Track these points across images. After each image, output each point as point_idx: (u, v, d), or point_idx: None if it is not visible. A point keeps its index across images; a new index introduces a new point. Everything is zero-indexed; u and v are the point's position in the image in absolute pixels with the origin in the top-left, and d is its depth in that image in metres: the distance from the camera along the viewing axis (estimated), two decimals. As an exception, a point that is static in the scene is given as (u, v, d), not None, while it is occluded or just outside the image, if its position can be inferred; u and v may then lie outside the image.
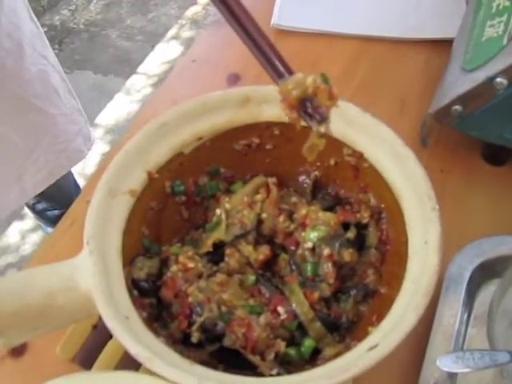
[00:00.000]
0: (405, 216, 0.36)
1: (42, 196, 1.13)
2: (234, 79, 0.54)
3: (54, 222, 1.44)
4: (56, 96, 0.87)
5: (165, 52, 2.14)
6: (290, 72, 0.32)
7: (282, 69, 0.32)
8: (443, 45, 0.54)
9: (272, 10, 0.58)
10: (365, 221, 0.39)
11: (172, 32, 2.21)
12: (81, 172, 1.47)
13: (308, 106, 0.31)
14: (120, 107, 1.93)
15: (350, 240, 0.38)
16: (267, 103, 0.40)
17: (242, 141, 0.41)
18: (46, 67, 0.85)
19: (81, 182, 1.38)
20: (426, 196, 0.35)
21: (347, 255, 0.37)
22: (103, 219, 0.35)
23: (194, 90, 0.55)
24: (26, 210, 1.63)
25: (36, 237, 1.68)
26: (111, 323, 0.30)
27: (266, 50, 0.32)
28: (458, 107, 0.45)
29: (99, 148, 1.71)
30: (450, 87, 0.46)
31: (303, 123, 0.32)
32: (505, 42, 0.42)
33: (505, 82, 0.40)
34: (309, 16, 0.57)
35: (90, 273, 0.32)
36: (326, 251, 0.37)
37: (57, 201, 1.31)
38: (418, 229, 0.35)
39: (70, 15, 2.23)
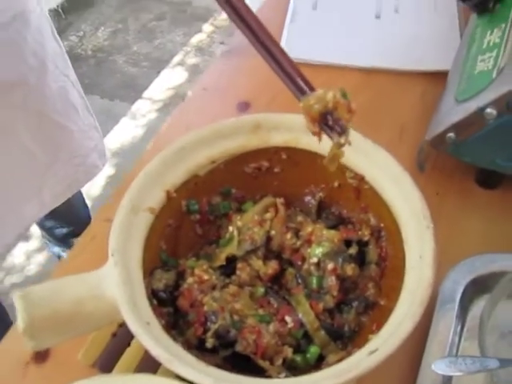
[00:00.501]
0: (402, 234, 0.39)
1: (51, 213, 1.16)
2: (244, 107, 0.57)
3: (61, 240, 1.47)
4: (74, 112, 0.90)
5: (170, 78, 2.19)
6: (311, 88, 0.34)
7: (303, 85, 0.35)
8: (439, 76, 0.57)
9: (279, 42, 0.62)
10: (365, 238, 0.42)
11: (177, 58, 2.26)
12: (87, 192, 1.50)
13: (329, 119, 0.34)
14: (125, 131, 1.97)
15: (352, 256, 0.41)
16: (276, 130, 0.44)
17: (252, 164, 0.45)
18: (66, 84, 0.88)
19: (87, 202, 1.41)
20: (421, 215, 0.38)
21: (349, 270, 0.40)
22: (126, 234, 0.38)
23: (205, 117, 0.58)
24: (32, 231, 1.66)
25: (41, 257, 1.71)
26: (135, 328, 0.33)
27: (288, 69, 0.35)
28: (452, 135, 0.48)
29: (105, 170, 1.75)
30: (444, 116, 0.50)
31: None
32: (494, 75, 0.45)
33: (494, 112, 0.43)
34: (314, 48, 0.61)
35: (115, 283, 0.35)
36: (330, 266, 0.40)
37: (66, 219, 1.34)
38: (415, 246, 0.38)
39: (78, 41, 2.28)
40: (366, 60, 0.62)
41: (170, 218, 0.42)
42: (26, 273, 1.69)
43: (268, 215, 0.43)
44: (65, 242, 1.50)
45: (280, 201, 0.44)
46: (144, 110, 2.08)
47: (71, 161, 0.94)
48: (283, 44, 0.61)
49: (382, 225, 0.42)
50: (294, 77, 0.35)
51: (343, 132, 0.34)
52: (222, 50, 2.25)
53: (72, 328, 0.36)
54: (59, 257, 1.57)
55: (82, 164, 0.96)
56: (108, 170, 1.79)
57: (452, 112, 0.49)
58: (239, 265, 0.41)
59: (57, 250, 1.55)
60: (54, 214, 1.29)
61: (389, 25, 0.65)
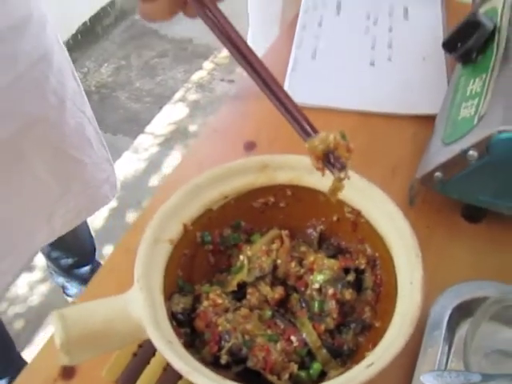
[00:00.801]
0: (395, 263, 0.43)
1: (58, 244, 1.20)
2: (251, 146, 0.61)
3: (65, 270, 1.50)
4: (89, 146, 0.95)
5: (171, 113, 2.24)
6: (315, 130, 0.39)
7: (308, 128, 0.39)
8: (428, 120, 0.61)
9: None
10: (362, 267, 0.47)
11: (178, 95, 2.32)
12: (90, 224, 1.54)
13: (331, 158, 0.38)
14: (128, 165, 2.01)
15: (350, 282, 0.45)
16: (281, 169, 0.48)
17: (260, 199, 0.49)
18: (83, 120, 0.93)
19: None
20: (412, 247, 0.42)
21: (348, 295, 0.45)
22: (149, 262, 0.43)
23: (215, 155, 0.63)
24: (36, 262, 1.69)
25: (44, 288, 1.73)
26: (159, 345, 0.38)
27: (294, 113, 0.40)
28: (439, 174, 0.52)
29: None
30: (432, 157, 0.54)
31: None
32: (475, 122, 0.50)
33: (476, 154, 0.48)
34: (314, 93, 0.65)
35: (141, 306, 0.39)
36: (331, 291, 0.44)
37: (72, 249, 1.37)
38: (406, 273, 0.42)
39: (83, 77, 2.34)
40: (362, 104, 0.66)
41: (186, 248, 0.47)
42: (29, 303, 1.71)
43: (274, 246, 0.47)
44: (69, 272, 1.53)
45: (285, 233, 0.48)
46: (146, 144, 2.13)
47: (83, 191, 0.98)
48: (287, 89, 0.66)
49: (376, 254, 0.46)
50: (299, 120, 0.40)
51: (343, 168, 0.38)
52: (227, 91, 2.31)
53: (102, 345, 0.40)
54: (63, 287, 1.60)
55: (93, 194, 1.00)
56: (111, 202, 1.83)
57: (439, 153, 0.54)
58: (249, 290, 0.45)
59: (61, 280, 1.57)
60: (60, 245, 1.34)
61: (382, 72, 0.69)
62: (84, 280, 1.56)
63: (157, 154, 2.10)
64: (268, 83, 0.41)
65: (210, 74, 2.39)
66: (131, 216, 1.91)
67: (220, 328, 0.42)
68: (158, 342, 0.38)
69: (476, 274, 0.51)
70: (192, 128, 2.18)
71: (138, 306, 0.39)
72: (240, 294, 0.46)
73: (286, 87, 0.66)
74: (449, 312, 0.47)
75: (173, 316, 0.43)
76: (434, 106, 0.63)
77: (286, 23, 0.88)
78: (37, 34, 0.81)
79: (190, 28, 2.48)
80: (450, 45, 0.61)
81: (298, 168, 0.48)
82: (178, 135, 2.16)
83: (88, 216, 1.04)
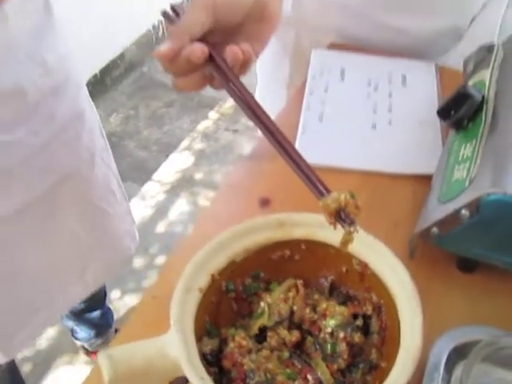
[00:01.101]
0: (398, 310, 0.48)
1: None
2: (266, 202, 0.66)
3: (76, 314, 1.54)
4: (114, 198, 1.01)
5: (178, 162, 2.32)
6: (327, 190, 0.45)
7: (321, 188, 0.46)
8: (426, 179, 0.66)
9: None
10: (369, 313, 0.51)
11: (184, 144, 2.40)
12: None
13: (342, 214, 0.44)
14: (136, 211, 2.07)
15: (358, 327, 0.51)
16: (296, 226, 0.54)
17: (277, 253, 0.54)
18: (108, 174, 1.00)
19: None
20: (412, 295, 0.47)
21: (357, 338, 0.50)
22: (182, 308, 0.48)
23: (232, 210, 0.69)
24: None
25: (52, 332, 1.77)
26: (194, 381, 0.43)
27: (308, 173, 0.47)
28: (435, 229, 0.56)
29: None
30: (430, 214, 0.59)
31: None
32: (467, 184, 0.55)
33: (467, 213, 0.53)
34: (322, 154, 0.71)
35: (177, 346, 0.45)
36: (341, 335, 0.49)
37: (90, 299, 1.41)
38: (407, 319, 0.47)
39: (92, 127, 2.42)
40: (365, 164, 0.71)
41: (213, 295, 0.52)
42: (38, 347, 1.75)
43: (291, 294, 0.52)
44: (80, 316, 1.57)
45: (300, 282, 0.53)
46: (153, 191, 2.20)
47: (109, 243, 1.04)
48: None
49: (382, 302, 0.51)
50: (313, 180, 0.46)
51: (352, 223, 0.45)
52: (232, 141, 2.39)
53: (143, 381, 0.46)
54: (72, 331, 1.63)
55: (117, 247, 1.06)
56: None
57: (436, 211, 0.59)
58: (269, 333, 0.50)
59: (71, 323, 1.61)
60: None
61: (383, 134, 0.75)
62: (93, 324, 1.60)
63: (163, 201, 2.17)
64: (284, 146, 0.49)
65: (216, 124, 2.48)
66: (138, 261, 1.96)
67: (245, 367, 0.47)
68: (192, 378, 0.43)
69: (471, 320, 0.54)
70: (198, 176, 2.26)
71: (175, 346, 0.45)
72: (261, 337, 0.51)
73: (297, 148, 0.73)
74: (446, 354, 0.51)
75: (203, 356, 0.49)
76: (430, 166, 0.68)
77: (293, 86, 0.95)
78: (73, 95, 0.88)
79: (196, 80, 2.57)
80: (443, 113, 0.68)
81: (311, 225, 0.54)
82: (183, 183, 2.23)
83: (117, 270, 1.09)
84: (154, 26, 2.79)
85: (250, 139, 2.30)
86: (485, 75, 0.68)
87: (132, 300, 1.86)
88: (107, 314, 1.62)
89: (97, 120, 0.99)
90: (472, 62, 0.75)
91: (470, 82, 0.69)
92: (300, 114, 0.79)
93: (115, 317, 1.68)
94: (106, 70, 2.57)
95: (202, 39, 0.52)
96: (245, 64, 0.52)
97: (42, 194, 0.90)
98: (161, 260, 1.96)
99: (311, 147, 0.72)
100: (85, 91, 0.96)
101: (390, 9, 0.88)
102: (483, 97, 0.65)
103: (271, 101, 1.02)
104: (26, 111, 0.83)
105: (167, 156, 2.35)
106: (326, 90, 0.82)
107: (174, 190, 2.21)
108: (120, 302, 1.84)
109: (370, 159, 0.73)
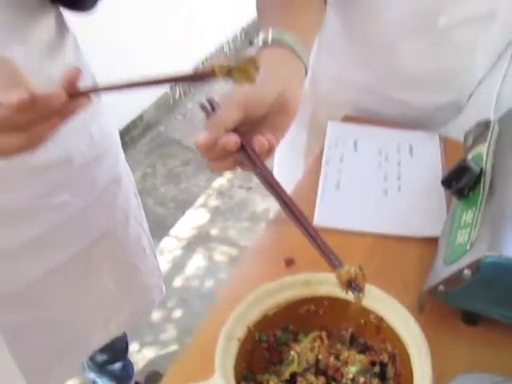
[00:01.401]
0: (410, 359, 0.55)
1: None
2: (290, 262, 0.74)
3: (99, 366, 1.59)
4: (144, 254, 1.08)
5: (194, 218, 2.41)
6: (340, 262, 0.54)
7: (335, 260, 0.54)
8: (433, 242, 0.74)
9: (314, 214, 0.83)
10: (385, 361, 0.59)
11: (200, 200, 2.49)
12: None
13: (352, 283, 0.53)
14: (154, 266, 2.15)
15: (376, 373, 0.58)
16: (320, 284, 0.62)
17: (304, 308, 0.62)
18: (139, 231, 1.07)
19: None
20: (422, 346, 0.54)
21: (375, 383, 0.58)
22: (224, 356, 0.56)
23: (260, 269, 0.78)
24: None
25: (72, 383, 1.82)
26: (237, 418, 0.51)
27: (323, 247, 0.55)
28: (442, 287, 0.63)
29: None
30: (436, 273, 0.67)
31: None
32: (468, 247, 0.63)
33: (469, 273, 0.60)
34: (339, 218, 0.79)
35: (222, 389, 0.53)
36: (362, 380, 0.57)
37: (108, 346, 1.47)
38: (418, 367, 0.53)
39: (112, 185, 2.52)
40: (377, 227, 0.79)
41: (248, 344, 0.60)
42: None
43: (316, 344, 0.60)
44: (102, 368, 1.62)
45: (324, 334, 0.61)
46: (171, 246, 2.28)
47: (137, 296, 1.11)
48: (316, 215, 0.81)
49: (396, 351, 0.58)
50: (328, 253, 0.55)
51: (360, 291, 0.53)
52: (245, 198, 2.47)
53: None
54: (94, 382, 1.68)
55: (144, 299, 1.13)
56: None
57: (442, 271, 0.67)
58: (299, 379, 0.58)
59: (92, 375, 1.66)
60: (104, 348, 1.44)
61: (394, 200, 0.83)
62: (114, 376, 1.65)
63: (180, 256, 2.24)
64: (302, 223, 0.57)
65: (230, 182, 2.57)
66: (156, 315, 2.02)
67: (280, 407, 0.55)
68: (236, 415, 0.51)
69: (475, 368, 0.61)
70: (213, 232, 2.34)
71: (220, 389, 0.53)
72: (292, 382, 0.59)
73: (315, 213, 0.81)
74: (453, 398, 0.59)
75: (242, 398, 0.56)
76: (436, 229, 0.76)
77: (310, 154, 1.05)
78: (112, 161, 0.98)
79: (211, 139, 2.68)
80: (447, 182, 0.76)
81: (332, 283, 0.61)
82: (199, 239, 2.31)
83: (140, 319, 1.16)
84: (171, 88, 2.93)
85: (263, 197, 2.40)
86: (482, 149, 0.77)
87: (150, 353, 1.91)
88: (128, 366, 1.67)
89: (132, 182, 1.08)
90: (471, 136, 0.84)
91: (470, 155, 0.78)
92: (318, 180, 0.88)
93: (134, 369, 1.74)
94: (126, 130, 2.69)
95: (234, 129, 0.61)
96: (269, 150, 0.61)
97: (80, 251, 0.98)
98: (178, 314, 2.03)
99: (329, 212, 0.81)
100: (122, 157, 1.06)
101: (398, 87, 0.98)
102: (481, 169, 0.73)
103: (288, 168, 1.12)
104: (71, 177, 0.92)
105: (184, 212, 2.44)
106: (342, 160, 0.91)
107: (190, 246, 2.29)
108: (138, 355, 1.90)
109: (381, 223, 0.81)
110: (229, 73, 0.50)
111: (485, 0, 0.86)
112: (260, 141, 0.59)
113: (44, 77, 0.80)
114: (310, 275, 0.63)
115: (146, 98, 2.80)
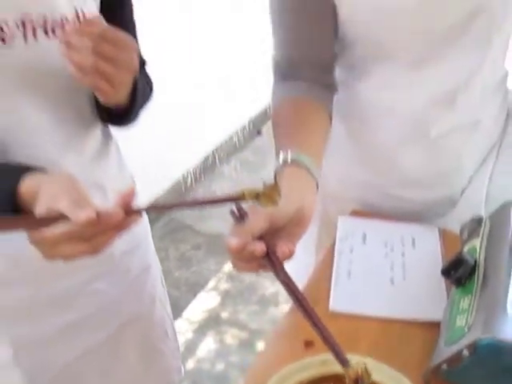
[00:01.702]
0: None
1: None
2: (310, 344, 0.83)
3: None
4: (166, 336, 1.16)
5: (205, 301, 2.48)
6: (346, 358, 0.64)
7: (342, 358, 0.64)
8: (435, 325, 0.82)
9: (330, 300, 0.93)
10: None
11: (211, 284, 2.57)
12: None
13: (359, 381, 0.63)
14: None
15: None
16: (335, 364, 0.72)
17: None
18: (163, 314, 1.15)
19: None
20: None
21: None
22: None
23: (283, 351, 0.86)
24: None
25: None
26: None
27: (334, 348, 0.65)
28: (444, 366, 0.71)
29: None
30: (439, 353, 0.75)
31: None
32: (466, 330, 0.72)
33: (467, 353, 0.69)
34: (351, 304, 0.89)
35: None
36: None
37: None
38: None
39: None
40: (385, 312, 0.88)
41: None
42: None
43: None
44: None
45: None
46: (183, 328, 2.34)
47: (159, 376, 1.18)
48: (331, 301, 0.91)
49: None
50: (336, 349, 0.65)
51: None
52: (255, 281, 2.55)
53: None
54: None
55: (165, 379, 1.20)
56: None
57: (443, 351, 0.76)
58: None
59: None
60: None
61: (399, 287, 0.92)
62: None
63: (192, 339, 2.30)
64: (317, 324, 0.67)
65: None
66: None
67: None
68: None
69: None
70: (224, 315, 2.41)
71: None
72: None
73: (331, 300, 0.91)
74: None
75: None
76: (438, 314, 0.85)
77: (321, 246, 1.16)
78: (144, 251, 1.09)
79: (221, 224, 2.81)
80: (446, 272, 0.86)
81: None
82: (210, 322, 2.38)
83: None
84: (183, 176, 3.08)
85: (273, 281, 2.49)
86: (476, 243, 0.88)
87: None
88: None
89: (159, 268, 1.18)
90: (466, 230, 0.95)
91: (466, 248, 0.89)
92: (330, 270, 0.98)
93: None
94: (140, 216, 2.80)
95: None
96: (289, 256, 0.72)
97: (109, 335, 1.07)
98: (189, 395, 2.07)
99: (342, 298, 0.91)
100: (152, 246, 1.16)
101: (398, 185, 1.11)
102: (475, 261, 0.84)
103: (298, 261, 1.22)
104: (109, 266, 1.02)
105: (195, 295, 2.51)
106: (352, 251, 1.02)
107: (201, 329, 2.36)
108: None
109: (389, 308, 0.91)
110: (256, 197, 0.62)
111: (470, 111, 1.01)
112: (283, 250, 0.71)
113: (93, 182, 0.93)
114: (328, 356, 0.72)
115: (160, 185, 2.94)
